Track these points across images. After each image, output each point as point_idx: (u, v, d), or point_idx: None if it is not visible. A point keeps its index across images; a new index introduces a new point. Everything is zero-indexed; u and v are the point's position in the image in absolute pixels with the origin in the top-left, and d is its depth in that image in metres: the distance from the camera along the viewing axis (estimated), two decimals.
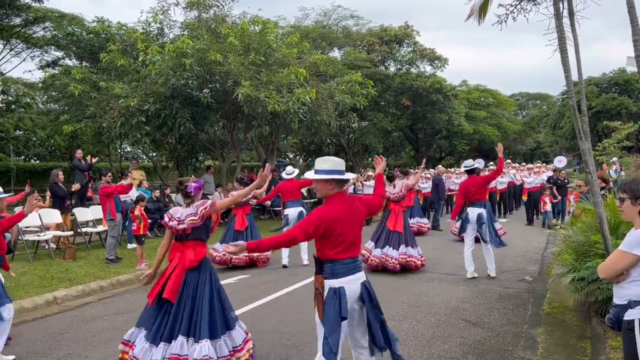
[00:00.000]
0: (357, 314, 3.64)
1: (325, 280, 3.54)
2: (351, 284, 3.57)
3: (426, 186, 17.39)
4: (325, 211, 3.57)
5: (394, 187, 9.11)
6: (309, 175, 3.79)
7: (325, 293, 3.52)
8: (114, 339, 5.66)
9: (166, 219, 4.55)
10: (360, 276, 3.64)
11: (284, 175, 9.93)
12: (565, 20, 5.75)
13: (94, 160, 12.55)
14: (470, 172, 8.57)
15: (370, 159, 27.41)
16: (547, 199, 14.96)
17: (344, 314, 3.48)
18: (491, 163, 24.06)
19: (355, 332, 3.68)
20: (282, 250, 9.52)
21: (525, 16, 6.49)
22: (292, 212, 9.51)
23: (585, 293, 5.69)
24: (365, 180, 15.95)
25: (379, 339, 3.60)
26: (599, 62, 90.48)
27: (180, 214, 4.47)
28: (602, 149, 20.17)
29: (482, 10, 6.98)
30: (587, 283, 5.60)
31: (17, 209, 10.56)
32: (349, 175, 3.80)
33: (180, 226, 4.42)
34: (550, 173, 19.03)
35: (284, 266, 9.37)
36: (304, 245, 9.43)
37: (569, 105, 5.90)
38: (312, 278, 3.75)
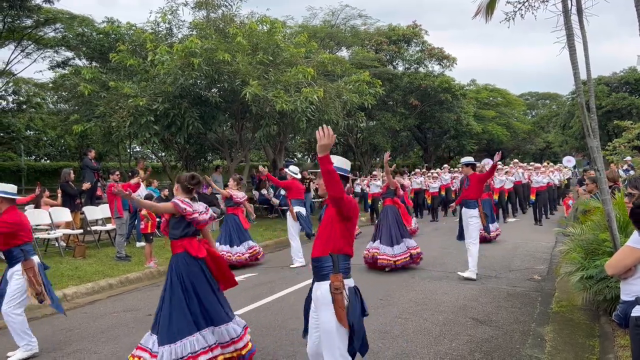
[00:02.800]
0: None
1: (344, 280, 3.39)
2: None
3: (435, 186, 17.38)
4: (352, 199, 3.52)
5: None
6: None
7: (346, 294, 3.36)
8: (123, 335, 5.72)
9: (189, 209, 4.37)
10: None
11: (291, 173, 9.83)
12: (574, 17, 5.73)
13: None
14: (474, 167, 8.68)
15: (378, 159, 27.38)
16: (570, 202, 13.62)
17: (366, 310, 3.48)
18: (500, 163, 23.94)
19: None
20: (294, 250, 9.61)
21: (533, 13, 6.47)
22: (305, 210, 9.69)
23: (593, 291, 5.65)
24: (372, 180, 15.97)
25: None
26: (610, 60, 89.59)
27: (198, 207, 4.50)
28: (612, 148, 20.00)
29: (490, 7, 6.96)
30: (595, 281, 5.57)
31: (28, 208, 10.69)
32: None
33: (203, 217, 4.48)
34: (558, 174, 18.88)
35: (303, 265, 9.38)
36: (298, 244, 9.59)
37: (578, 104, 5.86)
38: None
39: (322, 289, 3.41)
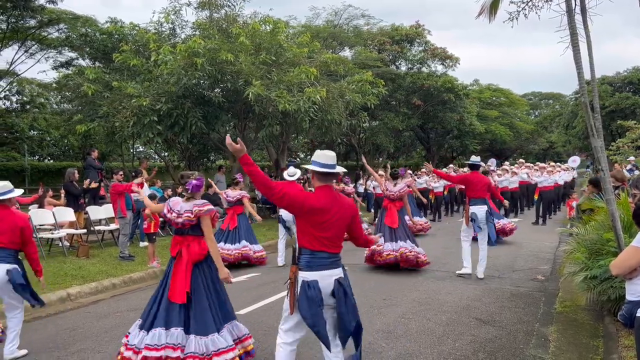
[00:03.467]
0: (331, 313, 3.61)
1: (300, 272, 3.53)
2: (325, 279, 3.53)
3: (437, 185, 17.34)
4: (312, 196, 3.57)
5: (395, 185, 9.12)
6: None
7: (299, 286, 3.50)
8: None
9: (165, 210, 4.61)
10: (337, 273, 3.60)
11: (285, 176, 9.72)
12: (578, 17, 5.71)
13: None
14: (476, 167, 8.65)
15: (380, 159, 27.37)
16: (574, 204, 12.42)
17: (319, 303, 3.49)
18: (506, 163, 23.91)
19: (328, 332, 3.59)
20: (279, 250, 9.74)
21: (536, 13, 6.45)
22: (286, 213, 9.41)
23: (597, 291, 5.63)
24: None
25: (344, 340, 3.57)
26: (614, 60, 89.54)
27: (180, 208, 4.51)
28: (616, 148, 19.96)
29: (493, 7, 6.95)
30: (599, 281, 5.56)
31: (32, 207, 10.72)
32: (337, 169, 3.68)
33: (179, 219, 4.47)
34: (565, 174, 18.79)
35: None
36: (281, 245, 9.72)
37: (582, 104, 5.85)
38: None
39: None
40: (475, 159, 8.88)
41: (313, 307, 3.45)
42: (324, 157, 3.62)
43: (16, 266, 4.99)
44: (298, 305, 3.51)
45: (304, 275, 3.51)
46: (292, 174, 9.39)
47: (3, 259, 4.92)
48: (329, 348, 3.58)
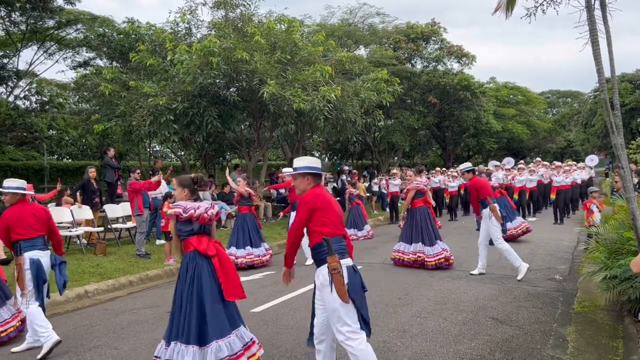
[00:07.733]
0: None
1: (341, 260, 3.68)
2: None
3: (453, 185, 17.23)
4: (314, 196, 3.84)
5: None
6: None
7: (345, 273, 3.67)
8: (143, 331, 5.78)
9: (191, 210, 4.26)
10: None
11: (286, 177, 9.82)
12: (597, 13, 5.62)
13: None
14: (472, 172, 8.67)
15: (396, 158, 27.25)
16: (593, 207, 10.07)
17: (365, 286, 3.84)
18: (521, 162, 23.63)
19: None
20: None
21: (555, 8, 6.35)
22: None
23: (617, 292, 5.55)
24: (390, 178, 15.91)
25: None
26: (634, 57, 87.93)
27: (202, 206, 4.35)
28: (636, 147, 19.66)
29: (510, 3, 6.86)
30: (619, 281, 5.47)
31: (51, 205, 10.87)
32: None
33: (214, 217, 4.42)
34: (583, 172, 18.48)
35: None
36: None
37: (601, 102, 5.77)
38: None
39: (322, 273, 3.75)
40: (466, 165, 8.83)
41: (360, 289, 3.75)
42: (315, 161, 3.98)
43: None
44: (349, 289, 3.63)
45: (345, 262, 3.72)
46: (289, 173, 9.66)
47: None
48: (369, 333, 3.80)
